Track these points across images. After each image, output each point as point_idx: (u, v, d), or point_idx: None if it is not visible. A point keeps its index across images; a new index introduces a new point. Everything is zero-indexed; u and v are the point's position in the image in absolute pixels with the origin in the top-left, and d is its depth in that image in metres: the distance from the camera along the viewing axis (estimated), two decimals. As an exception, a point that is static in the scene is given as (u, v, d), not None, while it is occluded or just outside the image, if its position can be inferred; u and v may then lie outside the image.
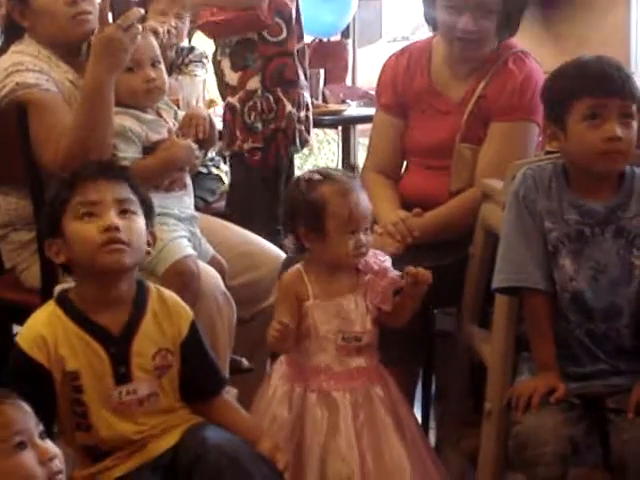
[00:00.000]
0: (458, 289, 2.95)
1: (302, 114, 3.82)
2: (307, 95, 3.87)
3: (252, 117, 3.75)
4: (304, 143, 3.89)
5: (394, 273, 2.57)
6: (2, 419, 1.86)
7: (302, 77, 3.85)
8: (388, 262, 2.60)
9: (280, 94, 3.77)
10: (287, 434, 2.53)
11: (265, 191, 3.80)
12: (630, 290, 2.51)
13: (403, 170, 3.25)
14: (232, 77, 3.80)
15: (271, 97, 3.75)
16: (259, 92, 3.75)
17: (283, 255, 3.09)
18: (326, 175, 2.58)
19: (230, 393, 2.59)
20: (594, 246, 2.51)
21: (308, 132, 3.89)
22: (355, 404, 2.54)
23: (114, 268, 2.21)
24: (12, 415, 1.87)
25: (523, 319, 2.61)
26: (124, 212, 2.24)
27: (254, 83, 3.75)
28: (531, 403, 2.44)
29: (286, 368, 2.61)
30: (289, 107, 3.77)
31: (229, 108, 3.81)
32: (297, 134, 3.81)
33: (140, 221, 2.27)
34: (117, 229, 2.20)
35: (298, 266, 2.61)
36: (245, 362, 3.04)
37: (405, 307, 2.59)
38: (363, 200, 2.56)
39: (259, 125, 3.75)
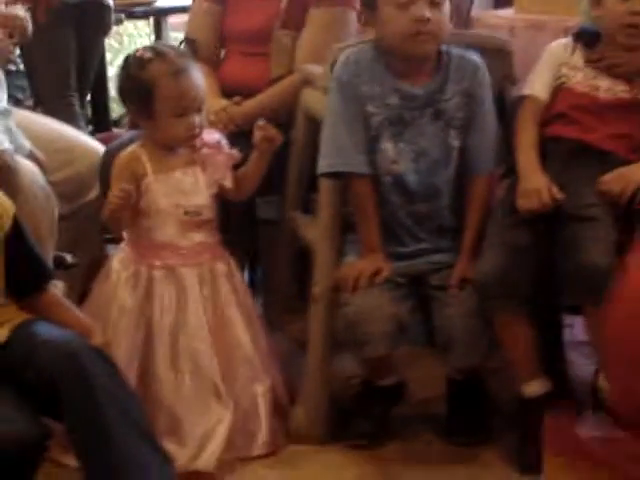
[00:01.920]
0: (281, 176, 2.96)
1: None
2: None
3: None
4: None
5: (230, 149, 2.59)
6: None
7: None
8: (223, 140, 2.60)
9: None
10: (135, 317, 2.53)
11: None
12: (449, 171, 2.58)
13: (222, 58, 3.21)
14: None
15: None
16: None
17: (102, 149, 3.03)
18: (158, 53, 2.52)
19: (57, 287, 2.55)
20: (414, 129, 2.56)
21: None
22: (201, 279, 2.57)
23: None
24: None
25: (347, 202, 2.65)
26: None
27: None
28: (358, 284, 2.50)
29: (129, 251, 2.59)
30: None
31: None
32: None
33: None
34: None
35: (134, 145, 2.58)
36: (69, 257, 2.99)
37: (249, 177, 2.63)
38: (195, 80, 2.52)
39: None
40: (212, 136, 2.62)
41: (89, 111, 4.08)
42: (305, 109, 2.83)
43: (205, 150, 2.58)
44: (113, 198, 2.44)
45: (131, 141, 3.01)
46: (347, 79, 2.55)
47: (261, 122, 2.58)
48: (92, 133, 3.77)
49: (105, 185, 2.92)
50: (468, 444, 2.60)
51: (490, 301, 2.43)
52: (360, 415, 2.65)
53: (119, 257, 2.62)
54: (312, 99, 2.78)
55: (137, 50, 2.57)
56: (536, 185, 2.41)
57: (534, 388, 2.50)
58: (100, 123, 3.93)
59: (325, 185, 2.63)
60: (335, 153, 2.56)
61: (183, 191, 2.57)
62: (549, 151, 2.51)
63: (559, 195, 2.39)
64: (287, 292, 3.20)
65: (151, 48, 2.57)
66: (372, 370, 2.66)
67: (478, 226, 2.55)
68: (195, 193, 2.58)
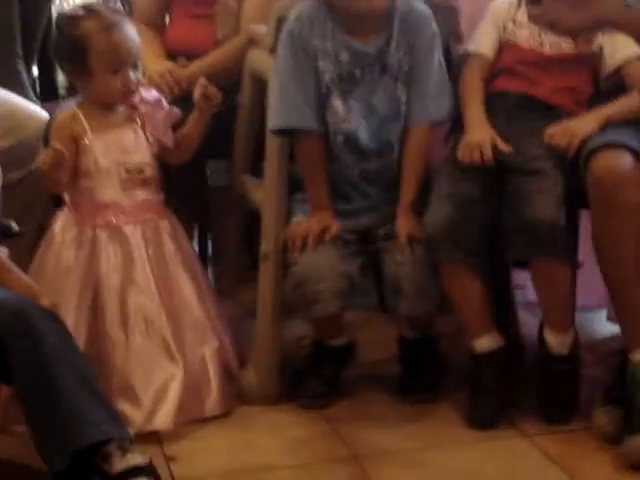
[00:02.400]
0: (230, 139, 2.94)
1: None
2: None
3: None
4: None
5: (170, 107, 2.58)
6: None
7: None
8: (163, 100, 2.59)
9: None
10: (82, 278, 2.51)
11: None
12: (398, 125, 2.57)
13: (167, 20, 3.18)
14: None
15: None
16: None
17: (47, 115, 2.99)
18: (89, 10, 2.52)
19: (2, 252, 2.51)
20: (364, 86, 2.54)
21: None
22: (145, 237, 2.55)
23: None
24: None
25: (294, 161, 2.63)
26: None
27: None
28: (306, 243, 2.48)
29: (72, 213, 2.57)
30: None
31: None
32: None
33: None
34: None
35: (72, 106, 2.56)
36: (14, 225, 2.95)
37: (189, 137, 2.62)
38: (128, 34, 2.51)
39: None
40: (151, 93, 2.60)
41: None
42: (251, 70, 2.81)
43: (144, 107, 2.57)
44: (45, 158, 2.42)
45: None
46: (299, 32, 2.52)
47: (202, 80, 2.58)
48: (40, 101, 3.70)
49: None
50: (421, 402, 2.60)
51: (437, 253, 2.42)
52: (311, 375, 2.64)
53: (61, 220, 2.60)
54: (258, 59, 2.75)
55: (69, 9, 2.57)
56: (479, 138, 2.41)
57: (485, 343, 2.50)
58: (47, 91, 3.86)
59: (272, 143, 2.60)
60: (286, 109, 2.53)
61: (123, 149, 2.55)
62: (494, 106, 2.51)
63: (505, 148, 2.39)
64: (240, 262, 3.18)
65: (82, 6, 2.57)
66: (322, 330, 2.64)
67: (415, 179, 2.55)
68: (135, 151, 2.56)
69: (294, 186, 2.64)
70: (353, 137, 2.55)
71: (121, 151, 2.55)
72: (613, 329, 2.85)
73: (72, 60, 2.52)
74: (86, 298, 2.51)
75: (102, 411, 2.12)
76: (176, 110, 2.61)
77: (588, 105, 2.51)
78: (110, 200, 2.55)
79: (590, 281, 2.80)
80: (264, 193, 2.64)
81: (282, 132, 2.57)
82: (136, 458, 2.12)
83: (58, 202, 2.76)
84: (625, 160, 2.28)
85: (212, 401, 2.54)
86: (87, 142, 2.52)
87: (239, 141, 2.91)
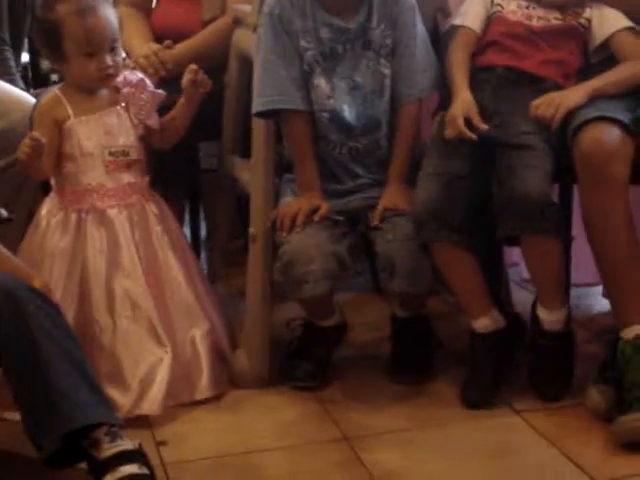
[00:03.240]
0: (219, 121, 2.92)
1: None
2: None
3: None
4: None
5: (154, 89, 2.57)
6: None
7: None
8: (147, 81, 2.57)
9: None
10: (68, 262, 2.50)
11: None
12: (384, 101, 2.54)
13: (154, 2, 3.15)
14: None
15: None
16: None
17: (34, 100, 2.97)
18: None
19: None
20: (347, 63, 2.52)
21: None
22: (131, 221, 2.54)
23: None
24: None
25: (282, 141, 2.61)
26: None
27: None
28: (296, 223, 2.46)
29: (57, 197, 2.55)
30: None
31: None
32: None
33: None
34: None
35: (54, 89, 2.55)
36: (4, 212, 2.93)
37: (175, 121, 2.61)
38: (104, 18, 2.48)
39: None
40: (135, 75, 2.58)
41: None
42: (237, 50, 2.79)
43: (128, 89, 2.54)
44: (23, 147, 2.39)
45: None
46: (279, 12, 2.50)
47: (193, 66, 2.56)
48: (32, 88, 3.68)
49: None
50: (412, 382, 2.57)
51: (424, 231, 2.39)
52: (302, 357, 2.61)
53: (47, 205, 2.59)
54: (243, 38, 2.73)
55: None
56: (453, 112, 2.38)
57: (484, 324, 2.47)
58: (38, 78, 3.84)
59: (258, 124, 2.58)
60: (271, 90, 2.51)
61: (107, 132, 2.53)
62: (482, 80, 2.48)
63: (481, 125, 2.36)
64: (232, 245, 3.17)
65: None
66: (312, 311, 2.62)
67: (405, 155, 2.53)
68: (120, 133, 2.54)
69: (283, 166, 2.62)
70: (338, 115, 2.53)
71: (105, 134, 2.53)
72: (608, 306, 2.82)
73: (48, 44, 2.50)
74: (73, 282, 2.49)
75: (92, 394, 2.09)
76: (161, 92, 2.59)
77: (577, 78, 2.48)
78: (95, 183, 2.53)
79: (585, 257, 2.77)
80: (252, 174, 2.61)
81: (267, 114, 2.54)
82: (125, 443, 2.09)
83: (46, 188, 2.76)
84: (613, 134, 2.25)
85: (203, 384, 2.52)
86: (70, 126, 2.50)
87: (227, 122, 2.90)
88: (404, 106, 2.55)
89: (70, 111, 2.51)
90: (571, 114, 2.33)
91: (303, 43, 2.51)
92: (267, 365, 2.60)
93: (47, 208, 2.57)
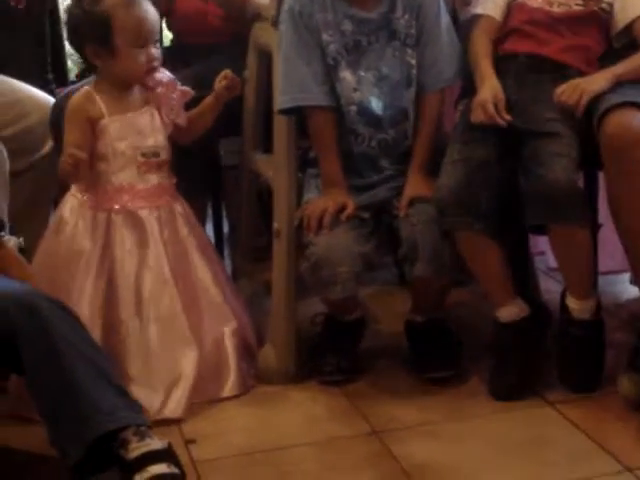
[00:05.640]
0: (240, 117, 2.91)
1: None
2: None
3: None
4: None
5: (183, 87, 2.56)
6: None
7: None
8: (177, 81, 2.57)
9: None
10: (97, 263, 2.49)
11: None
12: (411, 90, 2.53)
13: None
14: None
15: None
16: None
17: (52, 100, 2.97)
18: None
19: (11, 242, 2.49)
20: (371, 54, 2.50)
21: None
22: (160, 221, 2.53)
23: None
24: None
25: (306, 136, 2.59)
26: None
27: None
28: (323, 224, 2.44)
29: (86, 197, 2.54)
30: None
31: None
32: None
33: None
34: None
35: (87, 87, 2.53)
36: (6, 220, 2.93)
37: (202, 118, 2.62)
38: (149, 10, 2.49)
39: None
40: (164, 74, 2.57)
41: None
42: (256, 44, 2.78)
43: (160, 89, 2.54)
44: (64, 164, 2.40)
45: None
46: (299, 9, 2.49)
47: (229, 72, 2.58)
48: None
49: (58, 137, 2.86)
50: (439, 379, 2.54)
51: (447, 217, 2.37)
52: (327, 351, 2.60)
53: (68, 206, 2.57)
54: (262, 33, 2.72)
55: None
56: (482, 97, 2.36)
57: (509, 313, 2.45)
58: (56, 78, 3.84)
59: (279, 121, 2.56)
60: (294, 87, 2.50)
61: (140, 132, 2.53)
62: (504, 68, 2.45)
63: (505, 114, 2.34)
64: (256, 240, 3.15)
65: None
66: (337, 309, 2.61)
67: (428, 144, 2.51)
68: (151, 134, 2.55)
69: (305, 161, 2.61)
70: (366, 107, 2.51)
71: (137, 134, 2.52)
72: (636, 292, 2.80)
73: (95, 38, 2.48)
74: (101, 283, 2.49)
75: (116, 399, 2.08)
76: (189, 90, 2.59)
77: (600, 64, 2.45)
78: (126, 184, 2.53)
79: (612, 245, 2.74)
80: (274, 170, 2.60)
81: (290, 111, 2.53)
82: (154, 443, 2.08)
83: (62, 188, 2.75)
84: (638, 119, 2.22)
85: (231, 382, 2.52)
86: (104, 125, 2.50)
87: (248, 117, 2.89)
88: (427, 95, 2.53)
89: (104, 109, 2.51)
90: (596, 100, 2.30)
91: (325, 37, 2.49)
92: (294, 361, 2.59)
93: (70, 207, 2.56)
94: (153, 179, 2.55)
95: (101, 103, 2.51)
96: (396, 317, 2.77)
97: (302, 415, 2.44)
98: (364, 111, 2.52)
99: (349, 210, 2.46)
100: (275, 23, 2.55)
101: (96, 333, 2.40)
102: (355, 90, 2.51)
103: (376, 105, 2.51)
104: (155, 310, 2.49)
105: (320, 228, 2.44)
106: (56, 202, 3.11)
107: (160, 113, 2.56)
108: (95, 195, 2.54)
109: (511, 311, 2.45)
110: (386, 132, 2.53)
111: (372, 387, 2.55)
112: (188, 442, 2.34)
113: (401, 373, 2.59)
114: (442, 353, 2.58)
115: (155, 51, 2.51)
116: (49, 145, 2.94)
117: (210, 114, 2.63)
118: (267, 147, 2.82)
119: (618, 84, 2.32)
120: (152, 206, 2.54)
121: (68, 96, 2.86)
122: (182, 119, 2.58)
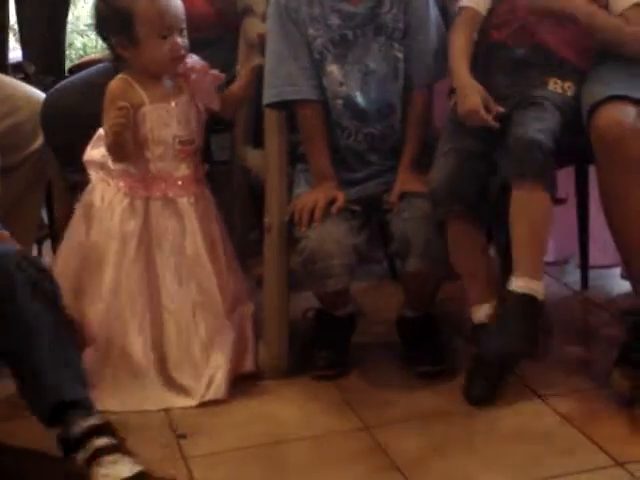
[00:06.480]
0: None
1: None
2: None
3: None
4: None
5: (214, 71, 2.57)
6: None
7: None
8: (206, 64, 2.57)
9: None
10: (135, 245, 2.51)
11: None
12: (398, 84, 2.52)
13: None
14: None
15: None
16: None
17: (43, 96, 2.96)
18: None
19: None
20: (358, 48, 2.51)
21: None
22: (197, 209, 2.56)
23: None
24: None
25: (294, 131, 2.59)
26: None
27: None
28: (314, 217, 2.44)
29: (120, 183, 2.54)
30: None
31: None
32: None
33: None
34: None
35: (122, 75, 2.53)
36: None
37: (234, 97, 2.62)
38: (173, 1, 2.49)
39: None
40: (194, 59, 2.58)
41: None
42: (247, 38, 2.76)
43: (195, 76, 2.56)
44: (115, 119, 2.40)
45: (72, 84, 2.96)
46: (285, 3, 2.49)
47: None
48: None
49: (49, 133, 2.86)
50: (430, 374, 2.53)
51: (439, 207, 2.38)
52: (319, 346, 2.60)
53: (98, 193, 2.57)
54: (253, 28, 2.71)
55: None
56: (472, 107, 2.34)
57: (484, 312, 2.43)
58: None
59: (269, 114, 2.56)
60: (282, 81, 2.51)
61: (178, 121, 2.55)
62: (498, 57, 2.45)
63: (494, 108, 2.34)
64: (248, 236, 3.15)
65: None
66: (329, 303, 2.61)
67: (417, 140, 2.52)
68: (188, 121, 2.56)
69: (295, 156, 2.61)
70: (352, 101, 2.51)
71: (175, 122, 2.54)
72: (627, 287, 2.80)
73: (118, 29, 2.49)
74: (140, 268, 2.51)
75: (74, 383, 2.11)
76: (220, 74, 2.59)
77: (593, 55, 2.44)
78: (165, 171, 2.54)
79: (603, 238, 2.75)
80: (265, 165, 2.60)
81: (278, 104, 2.53)
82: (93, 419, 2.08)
83: (74, 188, 2.76)
84: (629, 113, 2.23)
85: (249, 358, 2.57)
86: (145, 112, 2.51)
87: (239, 112, 2.86)
88: (416, 91, 2.53)
89: (145, 97, 2.51)
90: (585, 94, 2.31)
91: (312, 31, 2.49)
92: (286, 356, 2.58)
93: (102, 194, 2.56)
94: (189, 167, 2.57)
95: (141, 90, 2.52)
96: (388, 312, 2.78)
97: (294, 410, 2.44)
98: (350, 104, 2.52)
99: (339, 202, 2.47)
100: (265, 18, 2.55)
101: (136, 320, 2.47)
102: (341, 84, 2.51)
103: (362, 99, 2.52)
104: (194, 295, 2.53)
105: (311, 222, 2.45)
106: (47, 199, 3.14)
107: (195, 100, 2.57)
108: (132, 182, 2.55)
109: (485, 311, 2.43)
110: (373, 126, 2.53)
111: (363, 381, 2.55)
112: (179, 437, 2.33)
113: (392, 368, 2.59)
114: (433, 348, 2.58)
115: (181, 40, 2.50)
116: (39, 141, 2.93)
117: (243, 93, 2.64)
118: (258, 142, 2.82)
119: (607, 78, 2.32)
120: (189, 193, 2.56)
121: (58, 95, 2.87)
122: (215, 104, 2.59)
